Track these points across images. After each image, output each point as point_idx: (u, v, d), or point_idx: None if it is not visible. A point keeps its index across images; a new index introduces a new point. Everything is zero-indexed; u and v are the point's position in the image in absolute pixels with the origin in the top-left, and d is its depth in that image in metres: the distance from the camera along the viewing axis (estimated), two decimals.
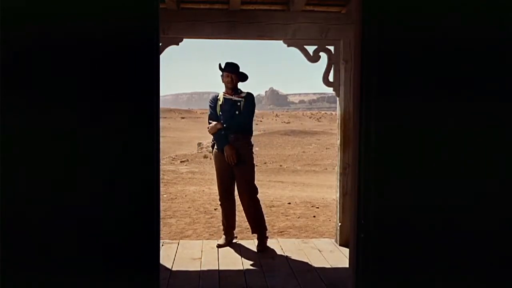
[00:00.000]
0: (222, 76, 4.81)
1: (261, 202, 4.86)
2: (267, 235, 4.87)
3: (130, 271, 2.27)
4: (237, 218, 5.11)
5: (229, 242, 4.85)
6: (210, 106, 4.91)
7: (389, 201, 2.36)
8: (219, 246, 4.79)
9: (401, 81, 2.33)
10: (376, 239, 2.36)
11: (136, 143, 2.24)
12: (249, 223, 4.95)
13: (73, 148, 2.21)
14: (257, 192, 4.81)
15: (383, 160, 2.34)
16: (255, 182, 4.86)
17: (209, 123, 4.87)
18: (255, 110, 5.05)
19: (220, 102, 4.81)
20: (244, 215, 4.97)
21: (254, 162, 4.96)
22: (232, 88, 4.76)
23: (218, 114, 4.79)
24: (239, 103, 4.74)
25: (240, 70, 4.82)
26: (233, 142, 4.71)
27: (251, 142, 4.85)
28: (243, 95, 4.78)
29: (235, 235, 5.00)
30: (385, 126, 2.34)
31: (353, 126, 2.51)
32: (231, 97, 4.76)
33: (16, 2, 2.16)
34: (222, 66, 4.80)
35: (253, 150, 4.93)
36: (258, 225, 4.80)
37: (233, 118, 4.72)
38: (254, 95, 4.94)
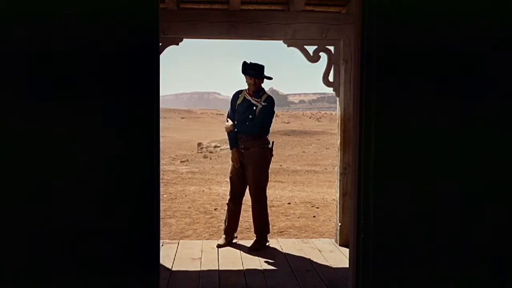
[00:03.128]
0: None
1: None
2: (268, 239, 4.85)
3: (130, 271, 2.27)
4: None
5: (229, 242, 4.85)
6: (231, 102, 4.90)
7: (389, 201, 2.35)
8: (219, 246, 4.79)
9: (401, 81, 2.33)
10: (376, 239, 2.36)
11: (136, 143, 2.24)
12: (253, 223, 4.95)
13: (73, 148, 2.21)
14: (262, 192, 4.77)
15: (383, 160, 2.34)
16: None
17: (227, 120, 4.87)
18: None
19: (239, 101, 4.78)
20: (244, 215, 4.98)
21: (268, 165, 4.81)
22: (254, 91, 4.71)
23: (235, 113, 4.77)
24: (255, 107, 4.68)
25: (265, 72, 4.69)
26: (244, 142, 4.69)
27: (266, 141, 4.71)
28: (262, 99, 4.69)
29: (235, 236, 5.00)
30: (385, 126, 2.33)
31: (353, 126, 2.50)
32: (250, 98, 4.71)
33: (15, 1, 2.16)
34: (247, 65, 4.70)
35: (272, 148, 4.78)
36: (260, 229, 4.79)
37: (245, 122, 4.68)
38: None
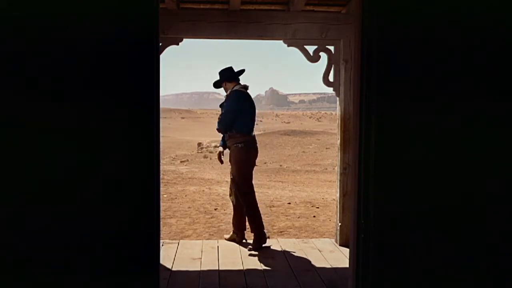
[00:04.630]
0: None
1: (261, 202, 4.86)
2: (267, 235, 4.83)
3: (130, 271, 2.27)
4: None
5: (234, 240, 4.92)
6: None
7: (389, 201, 2.35)
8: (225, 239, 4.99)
9: (401, 80, 2.33)
10: (376, 239, 2.36)
11: (136, 143, 2.24)
12: None
13: (73, 148, 2.21)
14: (242, 193, 4.71)
15: (383, 160, 2.34)
16: (250, 183, 4.74)
17: None
18: (255, 109, 4.95)
19: None
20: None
21: (245, 164, 4.73)
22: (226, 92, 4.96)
23: None
24: (224, 104, 4.91)
25: (223, 70, 4.92)
26: (226, 140, 4.89)
27: (239, 140, 4.68)
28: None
29: (245, 238, 4.96)
30: (385, 126, 2.33)
31: (353, 126, 2.50)
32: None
33: (15, 1, 2.16)
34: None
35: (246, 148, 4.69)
36: (252, 227, 4.77)
37: None
38: (238, 93, 4.79)
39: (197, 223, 6.62)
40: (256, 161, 5.00)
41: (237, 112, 4.70)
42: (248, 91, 4.89)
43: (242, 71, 4.93)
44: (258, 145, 4.93)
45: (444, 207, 2.38)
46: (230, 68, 4.93)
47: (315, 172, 15.49)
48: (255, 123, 4.93)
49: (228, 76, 4.85)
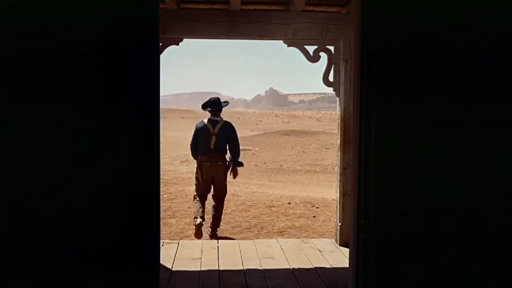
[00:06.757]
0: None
1: (261, 202, 4.88)
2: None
3: (130, 271, 2.27)
4: (238, 219, 5.18)
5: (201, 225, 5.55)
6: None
7: (389, 201, 2.35)
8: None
9: (401, 81, 2.33)
10: (376, 239, 2.36)
11: (136, 143, 2.24)
12: None
13: (73, 148, 2.21)
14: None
15: (383, 160, 2.34)
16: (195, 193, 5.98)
17: None
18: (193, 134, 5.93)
19: None
20: (244, 215, 5.02)
21: (196, 178, 5.97)
22: None
23: None
24: None
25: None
26: None
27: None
28: None
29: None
30: (385, 126, 2.33)
31: (353, 126, 2.50)
32: None
33: (15, 1, 2.16)
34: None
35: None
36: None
37: None
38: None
39: None
40: (257, 161, 5.20)
41: (193, 141, 5.84)
42: (218, 118, 5.70)
43: (220, 104, 5.75)
44: (258, 145, 5.12)
45: (444, 207, 2.38)
46: (210, 101, 5.79)
47: (315, 172, 15.48)
48: (211, 146, 5.64)
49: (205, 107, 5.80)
